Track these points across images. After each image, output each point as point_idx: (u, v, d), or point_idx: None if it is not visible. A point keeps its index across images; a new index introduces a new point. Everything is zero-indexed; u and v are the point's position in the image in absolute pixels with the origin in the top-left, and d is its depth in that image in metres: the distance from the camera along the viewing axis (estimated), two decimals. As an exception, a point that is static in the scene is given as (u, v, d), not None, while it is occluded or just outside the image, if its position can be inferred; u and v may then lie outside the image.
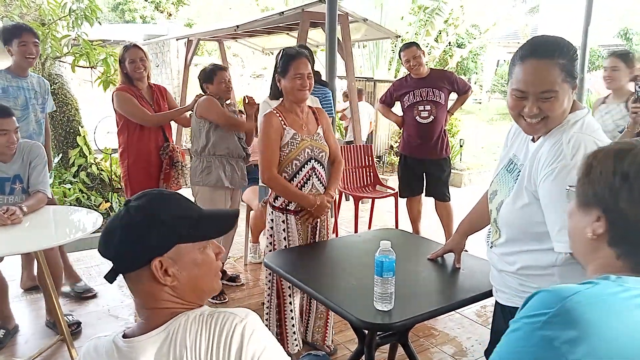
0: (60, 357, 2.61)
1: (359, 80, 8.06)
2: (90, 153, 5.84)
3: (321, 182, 2.46)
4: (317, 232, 2.51)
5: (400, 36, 6.93)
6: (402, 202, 4.32)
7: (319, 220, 2.50)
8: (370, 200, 4.86)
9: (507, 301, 1.45)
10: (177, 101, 7.94)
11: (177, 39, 8.56)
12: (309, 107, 2.52)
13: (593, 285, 0.78)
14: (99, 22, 5.46)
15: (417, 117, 3.92)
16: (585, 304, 0.74)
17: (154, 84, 3.40)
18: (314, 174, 2.41)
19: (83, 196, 5.47)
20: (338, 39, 5.78)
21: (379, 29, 6.83)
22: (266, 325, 2.49)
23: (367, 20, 6.22)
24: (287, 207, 2.43)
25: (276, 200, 2.45)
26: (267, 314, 2.54)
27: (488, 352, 1.58)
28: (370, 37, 7.46)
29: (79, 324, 2.89)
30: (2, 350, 2.67)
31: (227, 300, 3.32)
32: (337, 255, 2.26)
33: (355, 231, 4.40)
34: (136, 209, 0.99)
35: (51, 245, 2.25)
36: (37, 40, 3.08)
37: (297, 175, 2.38)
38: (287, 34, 7.21)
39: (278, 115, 2.37)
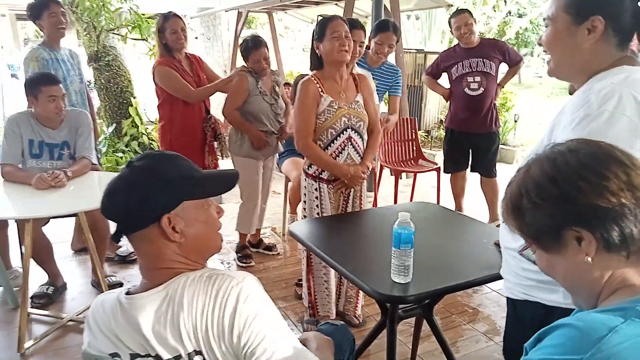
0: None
1: (409, 52, 7.82)
2: (142, 123, 6.05)
3: (358, 152, 2.42)
4: (350, 202, 2.49)
5: (452, 5, 6.62)
6: (446, 177, 4.21)
7: (352, 190, 2.48)
8: (412, 175, 4.76)
9: (509, 292, 1.31)
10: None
11: (225, 11, 8.61)
12: (351, 73, 2.46)
13: (630, 320, 0.65)
14: (150, -6, 5.58)
15: (466, 89, 3.77)
16: (630, 349, 0.61)
17: (190, 54, 3.39)
18: (350, 143, 2.38)
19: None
20: (386, 8, 5.62)
21: (431, -2, 6.57)
22: (303, 293, 2.57)
23: (418, -12, 5.99)
24: (320, 176, 2.41)
25: (310, 168, 2.44)
26: (304, 281, 2.57)
27: (506, 352, 1.43)
28: (422, 6, 7.19)
29: (121, 284, 3.04)
30: (51, 305, 2.85)
31: (252, 264, 3.41)
32: (364, 226, 2.23)
33: (395, 205, 4.34)
34: (141, 168, 1.01)
35: (91, 208, 2.35)
36: (64, 10, 3.16)
37: (333, 144, 2.36)
38: (336, 4, 7.06)
39: (316, 82, 2.33)
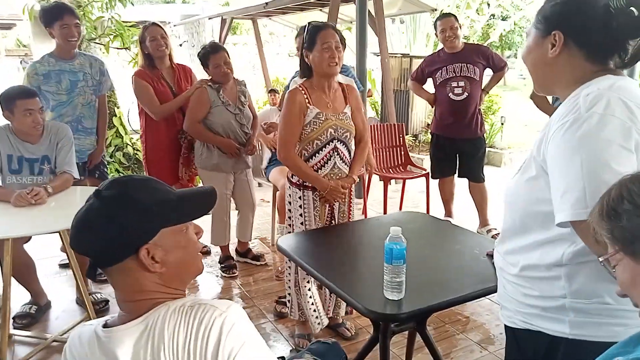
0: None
1: (394, 56, 7.81)
2: (126, 133, 5.95)
3: (345, 162, 2.38)
4: (337, 210, 2.45)
5: (436, 9, 6.63)
6: (435, 183, 4.19)
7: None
8: (401, 180, 4.74)
9: (509, 320, 1.24)
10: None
11: (209, 18, 8.55)
12: (340, 83, 2.43)
13: None
14: (131, 3, 5.50)
15: (450, 94, 3.75)
16: None
17: (178, 64, 3.35)
18: (336, 154, 2.34)
19: (119, 176, 5.60)
20: (370, 13, 5.61)
21: (415, 3, 6.57)
22: (289, 307, 2.52)
23: (401, -7, 5.99)
24: (305, 183, 2.37)
25: (294, 176, 2.40)
26: (288, 294, 2.53)
27: None
28: (406, 11, 7.20)
29: (106, 301, 2.96)
30: (35, 325, 2.77)
31: (236, 274, 3.39)
32: (354, 239, 2.19)
33: (384, 212, 4.30)
34: (112, 198, 0.95)
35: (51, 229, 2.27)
36: (79, 22, 3.03)
37: (317, 155, 2.32)
38: (320, 10, 7.04)
39: (303, 92, 2.29)
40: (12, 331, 2.64)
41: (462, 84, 3.70)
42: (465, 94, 3.71)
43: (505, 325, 1.28)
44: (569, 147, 1.01)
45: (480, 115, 3.84)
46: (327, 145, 2.31)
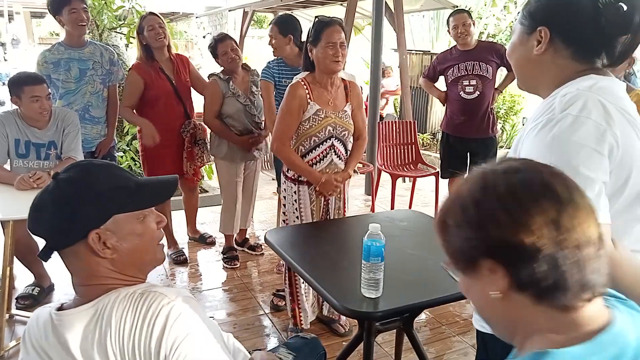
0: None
1: (415, 53, 7.72)
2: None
3: (341, 159, 2.37)
4: (332, 205, 2.43)
5: (458, 6, 6.51)
6: (445, 182, 4.12)
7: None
8: (412, 179, 4.68)
9: (478, 324, 1.22)
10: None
11: (230, 10, 8.59)
12: (343, 79, 2.39)
13: None
14: (152, -7, 5.55)
15: (462, 93, 3.68)
16: None
17: (176, 54, 3.32)
18: (332, 151, 2.32)
19: (135, 164, 5.68)
20: (390, 9, 5.55)
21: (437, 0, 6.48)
22: (286, 301, 2.52)
23: (423, -11, 5.90)
24: (300, 178, 2.36)
25: (289, 170, 2.39)
26: (286, 289, 2.52)
27: None
28: (427, 7, 7.09)
29: None
30: (37, 306, 2.82)
31: (238, 265, 3.41)
32: (343, 236, 2.17)
33: (392, 210, 4.26)
34: (67, 181, 0.96)
35: None
36: (86, 6, 3.05)
37: (314, 151, 2.30)
38: (341, 4, 7.00)
39: (305, 87, 2.26)
40: (14, 311, 2.71)
41: (473, 82, 3.62)
42: (477, 92, 3.63)
43: (476, 329, 1.24)
44: (539, 149, 0.98)
45: (492, 114, 3.75)
46: (324, 142, 2.29)
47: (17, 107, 2.70)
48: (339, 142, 2.33)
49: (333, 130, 2.29)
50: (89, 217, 0.94)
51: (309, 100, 2.25)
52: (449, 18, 3.71)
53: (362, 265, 1.48)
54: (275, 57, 3.16)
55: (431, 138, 7.66)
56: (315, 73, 2.30)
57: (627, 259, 0.99)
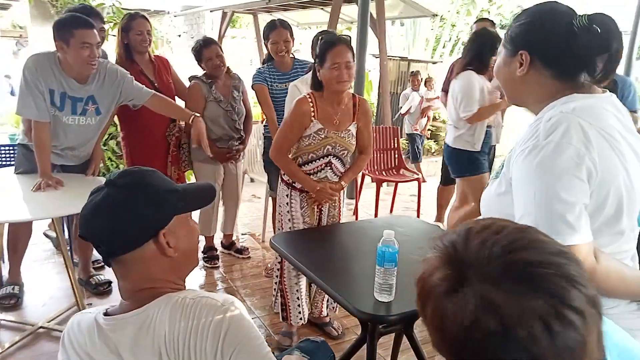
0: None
1: (393, 59, 7.85)
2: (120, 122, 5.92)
3: (336, 175, 2.40)
4: (326, 212, 2.47)
5: (437, 14, 6.67)
6: (425, 188, 4.22)
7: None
8: (393, 183, 4.78)
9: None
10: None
11: (210, 11, 8.53)
12: (354, 95, 2.37)
13: None
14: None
15: None
16: None
17: (156, 56, 3.22)
18: (328, 167, 2.35)
19: (112, 164, 5.58)
20: (372, 15, 5.63)
21: (416, 7, 6.62)
22: (273, 302, 2.54)
23: (403, -3, 6.02)
24: (293, 184, 2.39)
25: (285, 174, 2.43)
26: (275, 283, 2.56)
27: None
28: (407, 14, 7.24)
29: (109, 283, 2.98)
30: (21, 311, 2.75)
31: (218, 265, 3.45)
32: (346, 241, 2.22)
33: (376, 215, 4.34)
34: (127, 185, 0.98)
35: (72, 212, 2.22)
36: (100, 42, 2.50)
37: (310, 164, 2.34)
38: (322, 9, 7.07)
39: (311, 102, 2.25)
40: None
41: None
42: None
43: None
44: (526, 174, 1.05)
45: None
46: (321, 159, 2.33)
47: (57, 52, 2.39)
48: (336, 159, 2.36)
49: (332, 149, 2.31)
50: (156, 218, 0.97)
51: (312, 118, 2.25)
52: (472, 26, 3.78)
53: (376, 270, 1.52)
54: (266, 63, 3.19)
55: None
56: (322, 92, 2.28)
57: (614, 269, 1.07)
